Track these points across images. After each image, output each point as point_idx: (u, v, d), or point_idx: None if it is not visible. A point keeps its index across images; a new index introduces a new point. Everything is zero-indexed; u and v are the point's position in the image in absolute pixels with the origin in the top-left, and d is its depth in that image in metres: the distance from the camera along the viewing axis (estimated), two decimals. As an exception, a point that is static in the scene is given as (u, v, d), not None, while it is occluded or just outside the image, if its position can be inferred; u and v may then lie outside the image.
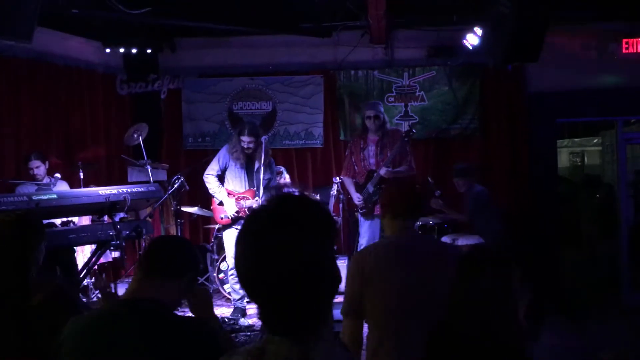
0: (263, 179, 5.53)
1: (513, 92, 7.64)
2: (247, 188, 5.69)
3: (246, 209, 5.63)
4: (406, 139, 5.89)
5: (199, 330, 1.89)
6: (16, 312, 2.22)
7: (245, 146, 5.58)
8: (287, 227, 1.18)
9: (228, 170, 5.74)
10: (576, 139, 12.62)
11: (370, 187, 5.90)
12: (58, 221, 5.42)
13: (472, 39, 6.74)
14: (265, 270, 1.17)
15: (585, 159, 12.72)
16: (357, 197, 6.00)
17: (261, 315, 1.23)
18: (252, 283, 1.20)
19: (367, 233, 5.96)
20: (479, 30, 6.50)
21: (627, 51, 7.35)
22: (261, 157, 5.56)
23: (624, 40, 7.33)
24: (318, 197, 6.82)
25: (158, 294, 1.90)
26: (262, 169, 5.49)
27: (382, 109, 6.12)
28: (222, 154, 5.77)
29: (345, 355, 1.27)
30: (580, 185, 9.15)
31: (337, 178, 6.83)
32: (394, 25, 7.42)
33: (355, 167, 6.11)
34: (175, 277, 1.97)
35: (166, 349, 1.77)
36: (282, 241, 1.17)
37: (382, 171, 5.78)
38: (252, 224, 1.23)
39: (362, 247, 6.06)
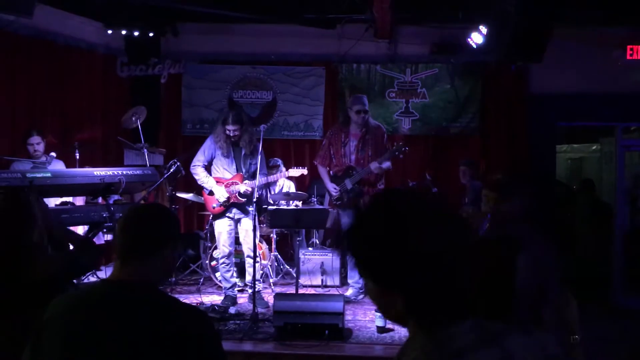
0: (252, 164, 5.55)
1: (514, 93, 7.62)
2: (235, 173, 5.69)
3: (236, 195, 5.63)
4: (397, 152, 5.76)
5: (192, 312, 1.83)
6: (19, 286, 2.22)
7: (231, 134, 5.58)
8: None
9: (215, 159, 5.74)
10: (575, 145, 12.57)
11: (348, 184, 5.86)
12: (57, 201, 5.36)
13: (476, 38, 6.71)
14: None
15: (584, 165, 12.68)
16: (332, 187, 5.96)
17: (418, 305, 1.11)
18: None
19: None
20: (483, 29, 6.46)
21: (631, 57, 7.32)
22: (251, 145, 5.59)
23: (629, 47, 7.30)
24: (315, 189, 6.79)
25: (143, 273, 1.83)
26: (258, 157, 5.46)
27: (367, 103, 6.04)
28: (207, 145, 5.76)
29: None
30: (578, 188, 9.14)
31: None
32: (399, 20, 7.38)
33: (334, 160, 6.02)
34: (158, 252, 1.89)
35: (155, 329, 1.72)
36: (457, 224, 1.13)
37: (373, 166, 5.73)
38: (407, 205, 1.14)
39: None
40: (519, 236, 2.49)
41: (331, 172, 6.05)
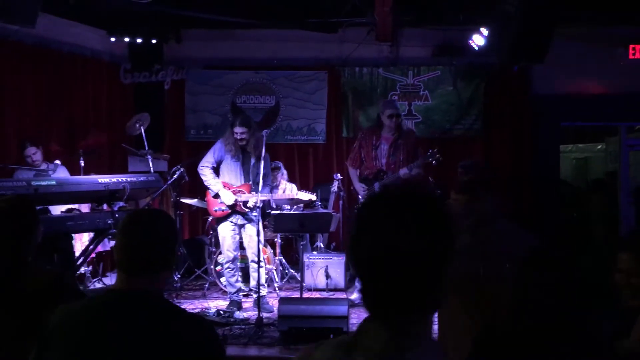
0: (259, 173, 5.52)
1: (517, 94, 7.61)
2: (243, 182, 5.67)
3: (241, 204, 5.61)
4: (430, 159, 5.69)
5: (196, 321, 1.84)
6: (12, 295, 2.22)
7: (238, 137, 5.54)
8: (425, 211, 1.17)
9: (223, 163, 5.72)
10: (580, 145, 12.55)
11: (377, 187, 5.83)
12: (63, 208, 5.39)
13: (478, 40, 6.72)
14: (398, 246, 1.13)
15: (589, 165, 12.64)
16: (361, 187, 5.92)
17: (368, 296, 1.18)
18: (374, 260, 1.15)
19: None
20: (485, 31, 6.47)
21: (633, 57, 7.31)
22: (258, 150, 5.56)
23: (631, 46, 7.30)
24: (316, 194, 6.79)
25: (150, 284, 1.83)
26: (261, 163, 5.46)
27: (399, 107, 6.00)
28: (217, 146, 5.74)
29: (440, 354, 1.21)
30: (592, 189, 9.10)
31: (338, 174, 6.83)
32: (400, 23, 7.39)
33: (364, 162, 5.95)
34: (167, 266, 1.90)
35: (160, 340, 1.73)
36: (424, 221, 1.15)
37: (402, 172, 5.68)
38: (383, 204, 1.20)
39: None
40: (502, 230, 2.55)
41: (364, 174, 5.95)
